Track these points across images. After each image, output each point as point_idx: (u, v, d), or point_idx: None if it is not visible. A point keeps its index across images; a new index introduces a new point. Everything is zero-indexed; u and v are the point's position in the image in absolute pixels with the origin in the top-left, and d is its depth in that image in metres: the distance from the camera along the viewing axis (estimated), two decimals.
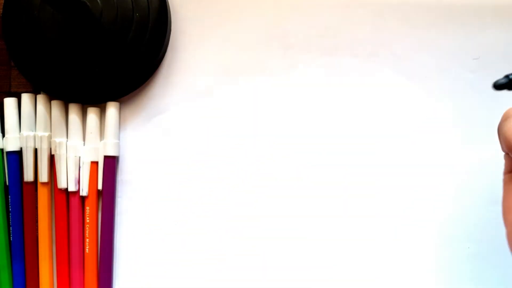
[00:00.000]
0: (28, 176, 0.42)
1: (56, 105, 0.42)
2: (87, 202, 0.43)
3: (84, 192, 0.42)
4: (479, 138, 0.43)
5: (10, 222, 0.42)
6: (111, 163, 0.43)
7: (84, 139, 0.43)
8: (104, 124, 0.43)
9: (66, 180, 0.42)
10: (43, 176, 0.42)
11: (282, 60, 0.44)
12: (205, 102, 0.44)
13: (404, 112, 0.43)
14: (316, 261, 0.43)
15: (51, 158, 0.42)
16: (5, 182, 0.42)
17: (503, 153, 0.40)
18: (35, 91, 0.43)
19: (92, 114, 0.42)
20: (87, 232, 0.42)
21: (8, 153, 0.42)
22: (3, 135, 0.42)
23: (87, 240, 0.42)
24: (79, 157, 0.42)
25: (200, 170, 0.43)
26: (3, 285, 0.42)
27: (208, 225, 0.43)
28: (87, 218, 0.42)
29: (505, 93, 0.44)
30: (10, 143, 0.42)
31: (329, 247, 0.43)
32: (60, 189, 0.42)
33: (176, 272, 0.43)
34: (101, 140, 0.43)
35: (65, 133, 0.43)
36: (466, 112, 0.44)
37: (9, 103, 0.42)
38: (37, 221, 0.42)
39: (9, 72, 0.44)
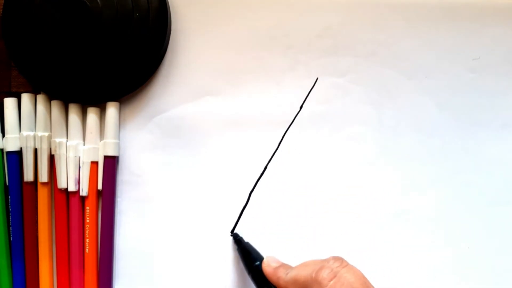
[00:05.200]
0: (28, 176, 0.42)
1: (56, 105, 0.42)
2: (87, 202, 0.43)
3: (84, 192, 0.42)
4: (479, 137, 0.43)
5: (10, 222, 0.42)
6: (111, 163, 0.43)
7: (84, 139, 0.43)
8: (104, 124, 0.43)
9: (66, 180, 0.42)
10: (43, 176, 0.42)
11: (282, 60, 0.44)
12: (205, 102, 0.44)
13: (404, 112, 0.43)
14: None
15: (51, 158, 0.42)
16: (5, 182, 0.42)
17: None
18: (35, 91, 0.43)
19: (92, 114, 0.42)
20: (87, 232, 0.42)
21: (8, 153, 0.42)
22: (3, 135, 0.42)
23: (87, 240, 0.42)
24: (79, 157, 0.42)
25: (200, 170, 0.43)
26: (3, 285, 0.42)
27: (208, 225, 0.43)
28: (87, 218, 0.42)
29: (504, 93, 0.44)
30: (10, 143, 0.42)
31: (325, 248, 0.43)
32: (60, 189, 0.42)
33: (176, 272, 0.43)
34: (101, 140, 0.43)
35: (65, 133, 0.43)
36: (466, 111, 0.44)
37: (9, 103, 0.42)
38: (37, 221, 0.42)
39: (9, 72, 0.44)
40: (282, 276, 0.35)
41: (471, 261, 0.43)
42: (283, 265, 0.36)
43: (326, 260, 0.34)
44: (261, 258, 0.38)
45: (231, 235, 0.42)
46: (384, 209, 0.43)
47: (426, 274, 0.43)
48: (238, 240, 0.41)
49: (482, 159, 0.43)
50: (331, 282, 0.31)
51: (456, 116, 0.44)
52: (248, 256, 0.39)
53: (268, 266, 0.36)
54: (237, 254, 0.42)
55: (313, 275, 0.32)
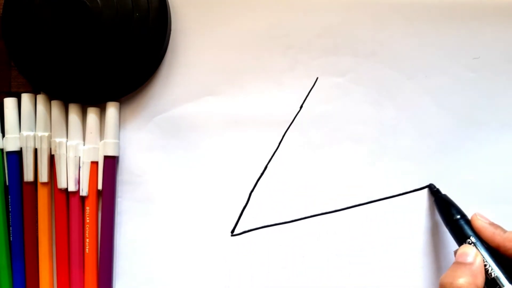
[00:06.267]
0: (28, 176, 0.42)
1: (56, 105, 0.42)
2: (87, 202, 0.43)
3: (84, 192, 0.42)
4: (479, 137, 0.43)
5: (10, 222, 0.42)
6: (111, 163, 0.43)
7: (84, 139, 0.43)
8: (104, 124, 0.43)
9: (66, 180, 0.42)
10: (43, 176, 0.42)
11: (282, 60, 0.44)
12: (205, 102, 0.44)
13: (404, 112, 0.43)
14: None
15: (51, 158, 0.42)
16: (5, 182, 0.42)
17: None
18: (35, 91, 0.43)
19: (92, 114, 0.42)
20: (87, 232, 0.42)
21: (8, 153, 0.42)
22: (3, 135, 0.42)
23: (87, 240, 0.42)
24: (79, 157, 0.42)
25: (200, 170, 0.43)
26: (3, 285, 0.42)
27: (208, 225, 0.43)
28: (87, 218, 0.42)
29: (504, 93, 0.44)
30: (10, 143, 0.42)
31: (325, 248, 0.43)
32: (60, 189, 0.42)
33: (176, 273, 0.43)
34: (101, 140, 0.43)
35: (65, 133, 0.43)
36: (466, 111, 0.44)
37: (9, 103, 0.42)
38: (37, 221, 0.42)
39: (9, 72, 0.44)
40: (499, 232, 0.36)
41: None
42: (493, 223, 0.37)
43: None
44: (461, 212, 0.39)
45: (430, 188, 0.43)
46: (383, 209, 0.43)
47: (427, 273, 0.43)
48: (435, 191, 0.42)
49: (482, 159, 0.43)
50: None
51: (456, 116, 0.44)
52: (448, 208, 0.40)
53: (481, 221, 0.37)
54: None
55: None
